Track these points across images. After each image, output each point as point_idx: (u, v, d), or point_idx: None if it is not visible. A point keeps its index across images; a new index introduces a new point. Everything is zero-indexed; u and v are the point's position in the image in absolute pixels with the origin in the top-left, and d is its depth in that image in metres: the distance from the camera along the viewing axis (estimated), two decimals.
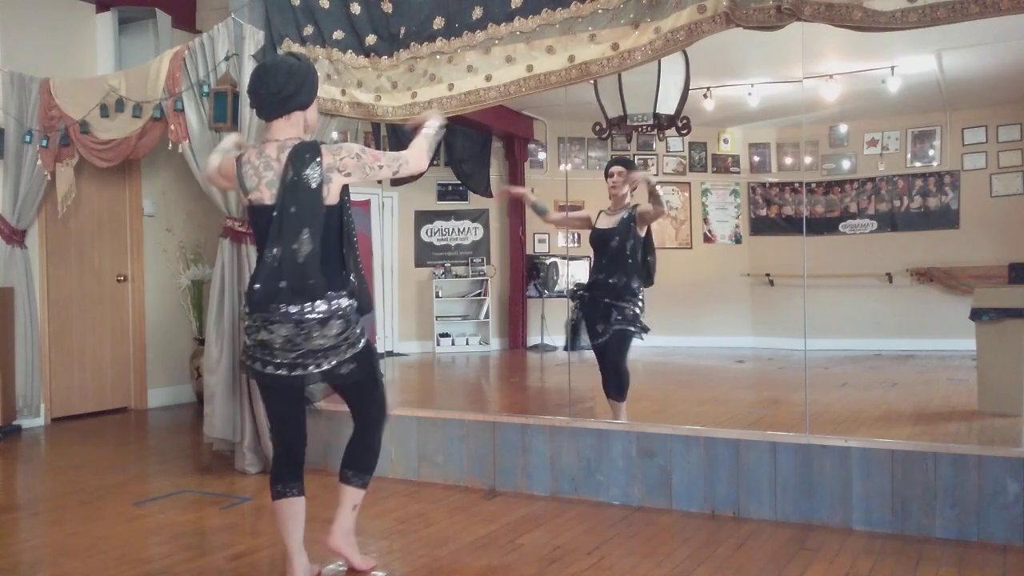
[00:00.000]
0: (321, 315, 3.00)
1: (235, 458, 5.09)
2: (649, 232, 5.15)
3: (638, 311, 5.06)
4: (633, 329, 5.04)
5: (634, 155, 9.33)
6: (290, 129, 3.11)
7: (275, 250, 2.98)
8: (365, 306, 3.19)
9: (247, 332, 3.10)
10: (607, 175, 5.15)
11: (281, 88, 3.04)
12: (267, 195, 3.05)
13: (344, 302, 3.07)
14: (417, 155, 3.22)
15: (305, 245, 2.96)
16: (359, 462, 3.37)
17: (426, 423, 4.86)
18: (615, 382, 5.03)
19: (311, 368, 3.05)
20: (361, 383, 3.22)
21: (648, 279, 5.16)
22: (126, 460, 5.51)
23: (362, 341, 3.15)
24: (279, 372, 3.05)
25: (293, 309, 2.98)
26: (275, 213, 2.99)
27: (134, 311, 7.46)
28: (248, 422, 4.99)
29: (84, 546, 3.72)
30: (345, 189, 3.10)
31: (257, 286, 3.02)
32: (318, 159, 3.01)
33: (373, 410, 3.35)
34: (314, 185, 2.99)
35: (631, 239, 5.03)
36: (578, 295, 5.28)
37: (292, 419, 3.23)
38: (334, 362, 3.07)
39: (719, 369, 8.62)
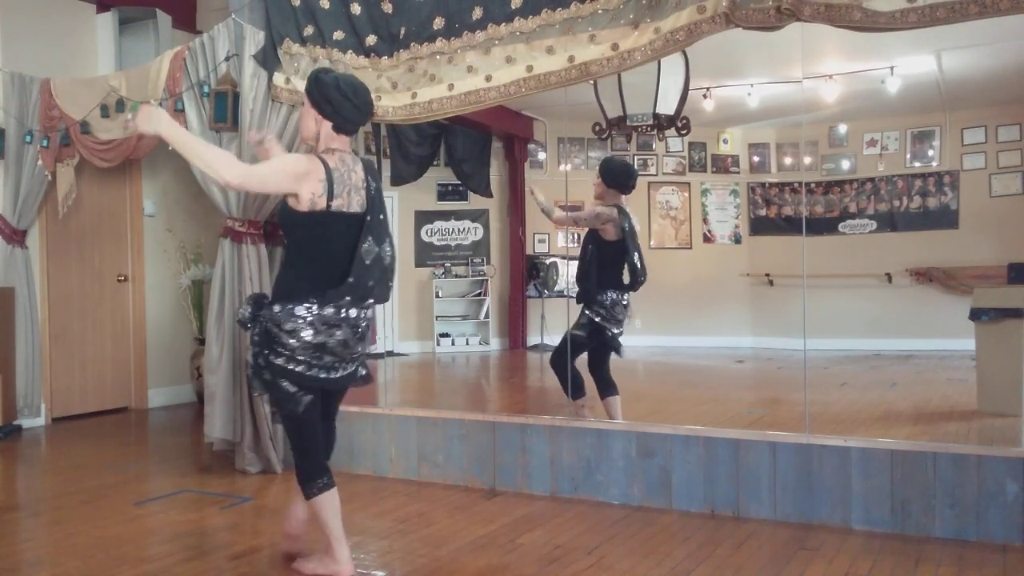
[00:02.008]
0: (369, 315, 3.27)
1: (235, 458, 5.10)
2: (626, 236, 5.10)
3: (597, 319, 5.09)
4: (579, 333, 5.10)
5: (634, 155, 9.34)
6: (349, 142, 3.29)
7: (371, 249, 3.16)
8: None
9: (321, 335, 3.11)
10: None
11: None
12: (348, 202, 3.15)
13: None
14: None
15: (391, 249, 3.25)
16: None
17: (426, 423, 4.86)
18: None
19: (358, 367, 3.34)
20: None
21: (623, 281, 5.16)
22: (126, 460, 5.52)
23: None
24: (339, 375, 3.24)
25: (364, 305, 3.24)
26: (368, 218, 3.17)
27: (134, 311, 7.47)
28: (248, 422, 5.00)
29: (84, 546, 3.72)
30: None
31: (352, 280, 3.14)
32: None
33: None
34: (383, 197, 3.30)
35: (589, 244, 5.20)
36: None
37: (323, 417, 3.36)
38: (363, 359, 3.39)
39: (719, 369, 8.62)
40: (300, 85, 4.43)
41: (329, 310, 3.10)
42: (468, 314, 10.02)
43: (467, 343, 9.85)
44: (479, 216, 10.13)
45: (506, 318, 9.79)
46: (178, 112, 5.28)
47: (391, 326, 9.44)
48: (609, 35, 4.00)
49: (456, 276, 9.99)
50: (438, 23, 4.51)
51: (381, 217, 3.23)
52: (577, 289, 5.25)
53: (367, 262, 3.14)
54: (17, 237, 6.50)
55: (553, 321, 8.79)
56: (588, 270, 5.17)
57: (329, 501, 3.19)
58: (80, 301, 7.09)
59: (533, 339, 9.44)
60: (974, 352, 5.47)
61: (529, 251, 9.64)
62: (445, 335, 9.83)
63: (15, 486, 5.16)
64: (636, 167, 9.32)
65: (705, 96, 7.83)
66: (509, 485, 4.60)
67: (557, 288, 8.95)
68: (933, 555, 3.49)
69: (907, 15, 3.38)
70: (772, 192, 9.60)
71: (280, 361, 3.11)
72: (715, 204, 9.56)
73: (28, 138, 6.29)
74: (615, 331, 5.15)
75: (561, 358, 5.10)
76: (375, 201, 3.21)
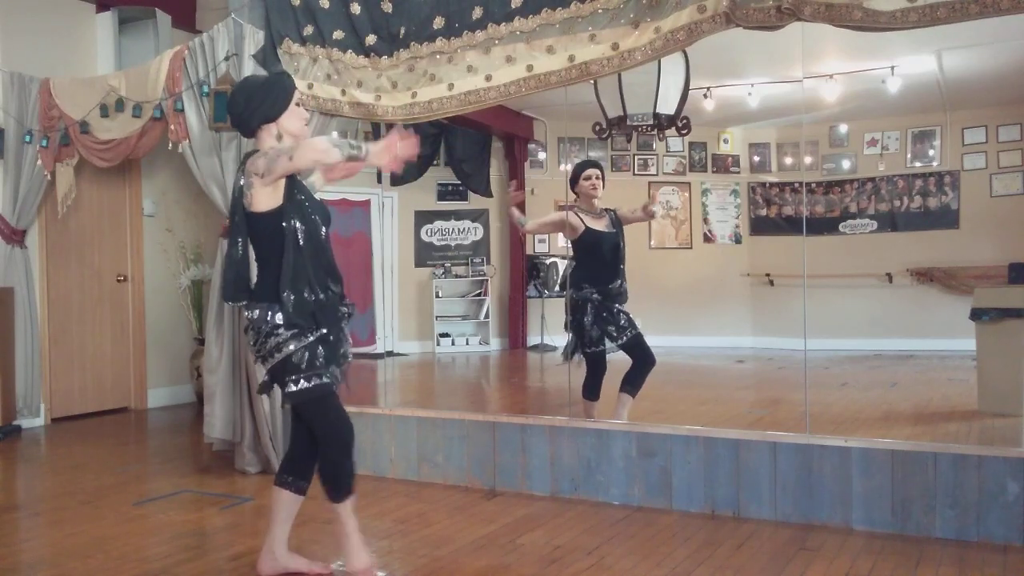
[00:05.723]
0: (246, 323, 3.14)
1: (235, 458, 5.09)
2: None
3: None
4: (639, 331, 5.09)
5: (634, 155, 9.35)
6: (261, 143, 3.14)
7: (226, 251, 3.29)
8: (291, 321, 3.02)
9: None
10: (584, 177, 5.05)
11: (239, 111, 3.12)
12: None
13: (256, 313, 3.06)
14: (305, 148, 2.92)
15: (237, 251, 3.10)
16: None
17: (426, 423, 4.86)
18: (646, 372, 5.03)
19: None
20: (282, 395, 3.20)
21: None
22: (126, 460, 5.51)
23: (275, 357, 3.05)
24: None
25: (246, 312, 3.14)
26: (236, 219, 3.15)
27: (134, 311, 7.46)
28: (248, 422, 4.99)
29: (84, 546, 3.72)
30: (290, 196, 3.03)
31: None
32: (243, 167, 3.08)
33: (313, 428, 3.16)
34: (238, 194, 3.09)
35: (623, 242, 5.16)
36: (592, 298, 4.99)
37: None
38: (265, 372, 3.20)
39: (719, 369, 8.62)
40: (300, 85, 4.42)
41: None
42: (468, 314, 10.01)
43: (467, 343, 9.84)
44: (479, 216, 10.13)
45: (506, 318, 9.78)
46: (177, 112, 5.28)
47: (391, 326, 9.45)
48: (609, 35, 4.00)
49: (456, 276, 9.99)
50: (438, 23, 4.50)
51: (236, 219, 3.11)
52: (624, 289, 5.15)
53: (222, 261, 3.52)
54: (16, 237, 6.49)
55: (553, 321, 8.78)
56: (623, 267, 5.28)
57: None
58: (80, 301, 7.08)
59: (533, 339, 9.44)
60: (975, 352, 5.46)
61: (529, 251, 9.64)
62: (445, 335, 9.83)
63: (15, 486, 5.15)
64: (636, 166, 9.35)
65: (705, 96, 7.83)
66: (509, 485, 4.59)
67: (557, 288, 8.95)
68: (934, 555, 3.49)
69: (908, 14, 3.38)
70: (772, 192, 9.60)
71: None
72: (715, 204, 9.56)
73: (27, 138, 6.29)
74: None
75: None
76: (233, 202, 3.14)
